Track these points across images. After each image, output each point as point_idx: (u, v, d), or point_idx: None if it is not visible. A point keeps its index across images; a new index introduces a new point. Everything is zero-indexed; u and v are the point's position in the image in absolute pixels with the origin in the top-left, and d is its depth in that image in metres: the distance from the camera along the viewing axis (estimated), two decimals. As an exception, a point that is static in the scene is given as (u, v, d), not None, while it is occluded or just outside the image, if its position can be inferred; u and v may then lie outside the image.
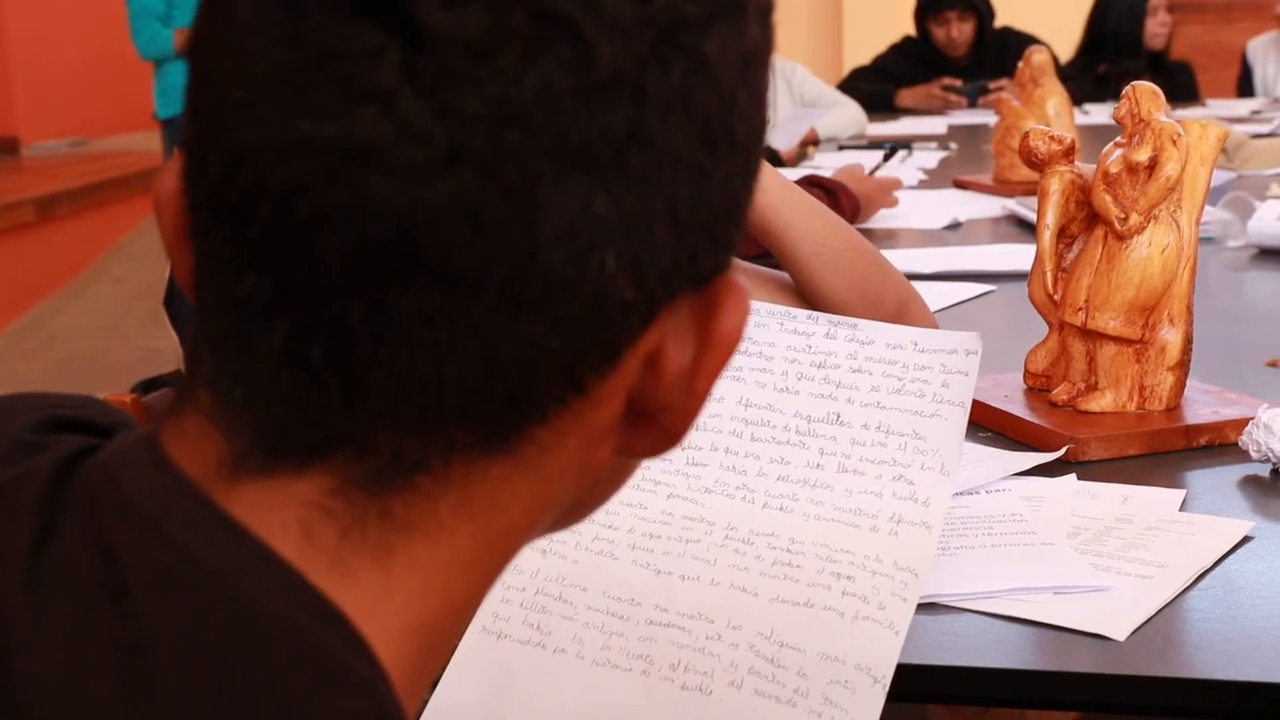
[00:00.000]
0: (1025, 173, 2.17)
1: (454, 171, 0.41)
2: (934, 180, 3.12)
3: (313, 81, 0.41)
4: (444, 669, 0.79)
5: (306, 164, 0.41)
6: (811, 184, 2.31)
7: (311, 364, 0.44)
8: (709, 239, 0.46)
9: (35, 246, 5.03)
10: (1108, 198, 1.30)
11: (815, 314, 1.05)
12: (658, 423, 0.49)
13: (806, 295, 1.36)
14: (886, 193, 2.56)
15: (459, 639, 0.52)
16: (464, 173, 0.41)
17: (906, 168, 3.29)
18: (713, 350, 0.48)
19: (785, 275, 1.40)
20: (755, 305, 1.04)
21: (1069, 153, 1.37)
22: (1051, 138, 1.37)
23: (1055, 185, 1.36)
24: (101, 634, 0.43)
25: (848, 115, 3.94)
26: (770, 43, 0.48)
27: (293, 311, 0.43)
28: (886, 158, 3.18)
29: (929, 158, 3.49)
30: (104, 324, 4.88)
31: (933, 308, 1.82)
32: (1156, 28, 4.87)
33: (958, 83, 4.70)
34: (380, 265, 0.42)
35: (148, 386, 1.70)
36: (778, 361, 1.03)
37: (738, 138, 0.46)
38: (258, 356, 0.44)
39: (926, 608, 0.96)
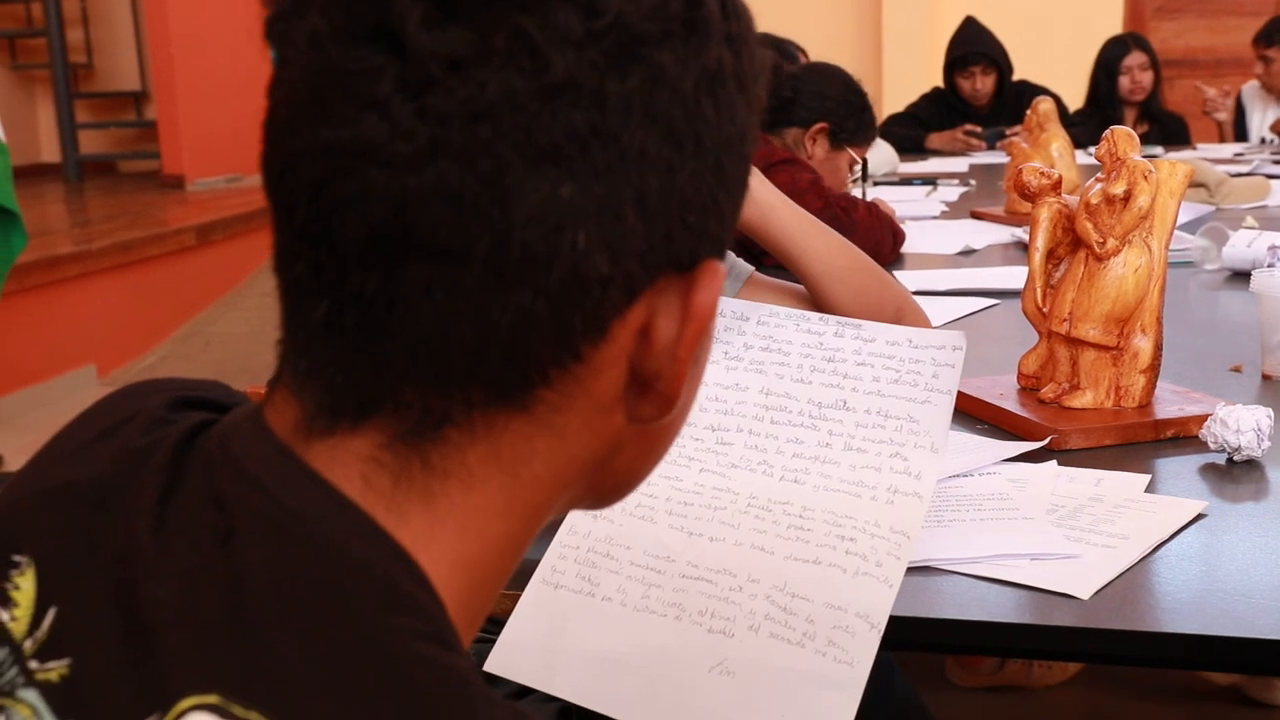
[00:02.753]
0: (1033, 206, 2.15)
1: (435, 162, 0.43)
2: (954, 211, 3.10)
3: (333, 98, 0.43)
4: (495, 606, 0.81)
5: (328, 163, 0.44)
6: (876, 216, 2.29)
7: (346, 333, 0.45)
8: (683, 227, 0.47)
9: (196, 266, 5.12)
10: (1088, 225, 1.30)
11: (826, 316, 1.04)
12: (655, 388, 0.50)
13: (819, 305, 1.38)
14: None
15: (505, 579, 0.52)
16: (443, 163, 0.43)
17: (931, 201, 3.27)
18: (690, 321, 0.48)
19: (803, 288, 1.42)
20: (776, 309, 1.05)
21: (1056, 186, 1.36)
22: (1042, 174, 1.37)
23: (1044, 214, 1.35)
24: (212, 568, 0.45)
25: (882, 156, 3.91)
26: (744, 65, 0.48)
27: (327, 289, 0.45)
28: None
29: (951, 192, 3.46)
30: (252, 331, 4.96)
31: (944, 319, 1.82)
32: (1129, 84, 4.79)
33: (978, 129, 4.65)
34: (384, 243, 0.43)
35: (281, 380, 1.73)
36: (794, 356, 1.03)
37: (705, 141, 0.46)
38: (310, 331, 0.46)
39: (921, 570, 0.96)
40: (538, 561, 0.97)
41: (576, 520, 0.98)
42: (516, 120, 0.43)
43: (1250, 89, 4.94)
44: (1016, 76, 4.81)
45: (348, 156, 0.43)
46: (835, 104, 2.41)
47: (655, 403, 0.50)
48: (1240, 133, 4.96)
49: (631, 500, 0.97)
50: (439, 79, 0.42)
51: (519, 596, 0.95)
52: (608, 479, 0.54)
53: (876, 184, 3.65)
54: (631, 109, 0.44)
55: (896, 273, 2.19)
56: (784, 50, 3.63)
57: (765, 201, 1.37)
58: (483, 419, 0.47)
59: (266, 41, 0.47)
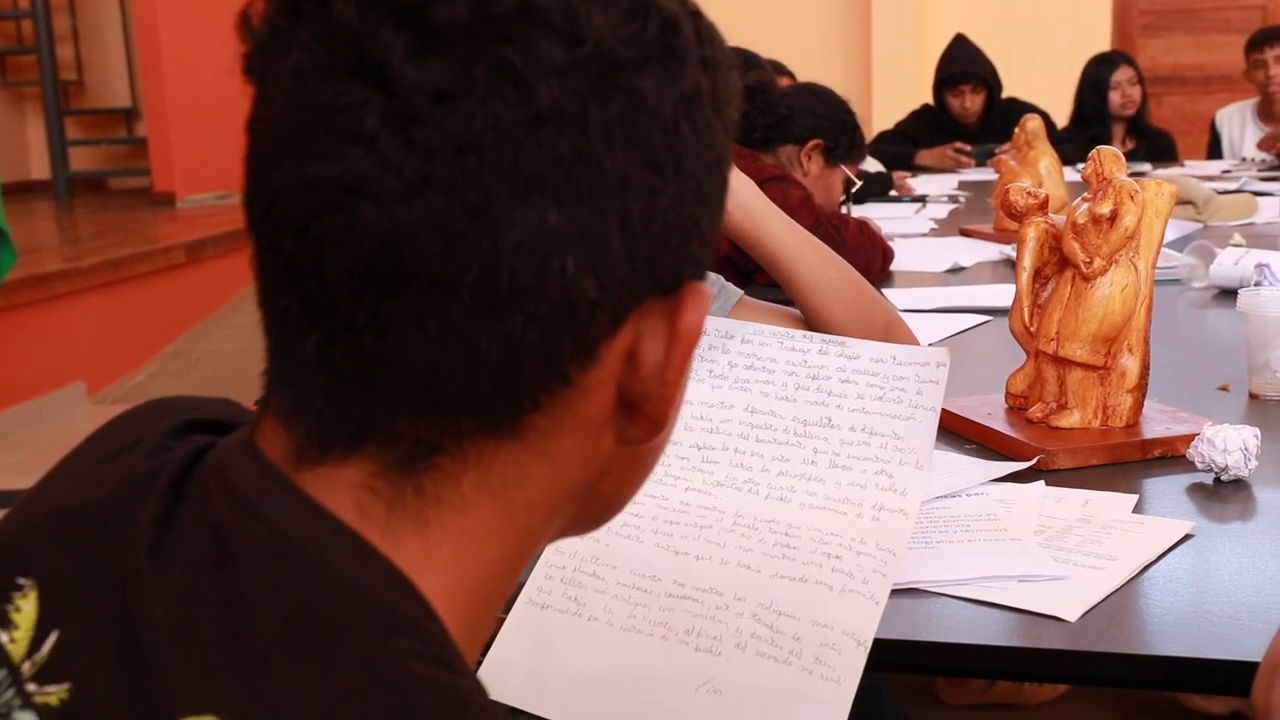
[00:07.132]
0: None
1: (423, 194, 0.42)
2: (943, 229, 3.11)
3: (318, 133, 0.43)
4: (493, 629, 0.80)
5: (315, 199, 0.43)
6: (866, 234, 2.30)
7: (336, 365, 0.45)
8: (665, 249, 0.47)
9: (186, 283, 5.10)
10: (1075, 244, 1.30)
11: (810, 334, 1.05)
12: (644, 411, 0.50)
13: (809, 317, 1.38)
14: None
15: (502, 601, 0.52)
16: (432, 195, 0.42)
17: (920, 218, 3.28)
18: (677, 344, 0.49)
19: (793, 310, 1.42)
20: (760, 327, 1.05)
21: (1043, 206, 1.37)
22: (1029, 193, 1.37)
23: (1031, 234, 1.36)
24: (209, 591, 0.45)
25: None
26: (722, 89, 0.49)
27: (317, 323, 0.45)
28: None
29: (941, 209, 3.47)
30: (242, 348, 4.94)
31: (933, 337, 1.82)
32: (1120, 99, 4.81)
33: (968, 147, 4.67)
34: (375, 276, 0.43)
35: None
36: (779, 374, 1.03)
37: (684, 165, 0.47)
38: (298, 363, 0.46)
39: (908, 592, 0.96)
40: (524, 582, 0.96)
41: (562, 540, 0.97)
42: (503, 150, 0.43)
43: (1225, 114, 4.96)
44: (1005, 94, 4.83)
45: (336, 192, 0.43)
46: (828, 122, 2.43)
47: (643, 425, 0.50)
48: (1214, 154, 4.98)
49: (617, 519, 0.96)
50: (425, 111, 0.42)
51: (505, 617, 0.95)
52: (596, 501, 0.54)
53: (864, 201, 3.66)
54: (614, 135, 0.44)
55: (885, 290, 2.19)
56: (771, 71, 3.64)
57: (759, 212, 1.37)
58: (474, 446, 0.47)
59: (246, 77, 0.47)
